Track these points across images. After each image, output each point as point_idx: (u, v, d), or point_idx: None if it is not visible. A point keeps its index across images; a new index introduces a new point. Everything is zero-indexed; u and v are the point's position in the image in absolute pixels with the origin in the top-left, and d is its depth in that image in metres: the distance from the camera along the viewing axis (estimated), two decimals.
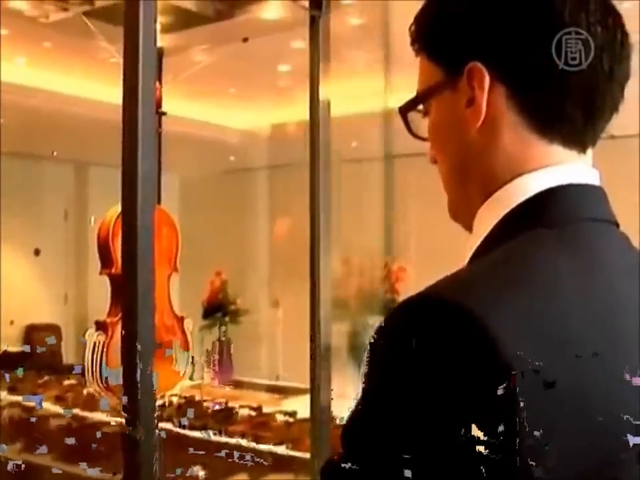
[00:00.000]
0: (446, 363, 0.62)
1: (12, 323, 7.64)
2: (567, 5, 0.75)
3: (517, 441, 0.60)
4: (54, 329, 8.20)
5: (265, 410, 3.68)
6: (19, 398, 3.85)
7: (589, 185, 0.78)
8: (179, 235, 1.72)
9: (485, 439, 0.61)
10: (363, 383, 0.69)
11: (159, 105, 1.69)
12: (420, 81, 0.86)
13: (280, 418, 3.47)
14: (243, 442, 3.15)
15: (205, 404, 3.78)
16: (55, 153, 7.64)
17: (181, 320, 1.72)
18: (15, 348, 7.57)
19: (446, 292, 0.66)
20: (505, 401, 0.61)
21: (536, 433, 0.62)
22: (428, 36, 0.84)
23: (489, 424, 0.61)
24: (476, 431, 0.61)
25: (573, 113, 0.77)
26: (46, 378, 4.35)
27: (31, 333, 8.04)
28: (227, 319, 4.75)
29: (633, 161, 6.09)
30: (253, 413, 3.61)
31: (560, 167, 0.77)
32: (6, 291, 6.26)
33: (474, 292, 0.66)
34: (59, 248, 8.41)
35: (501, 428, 0.61)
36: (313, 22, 1.87)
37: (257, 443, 3.11)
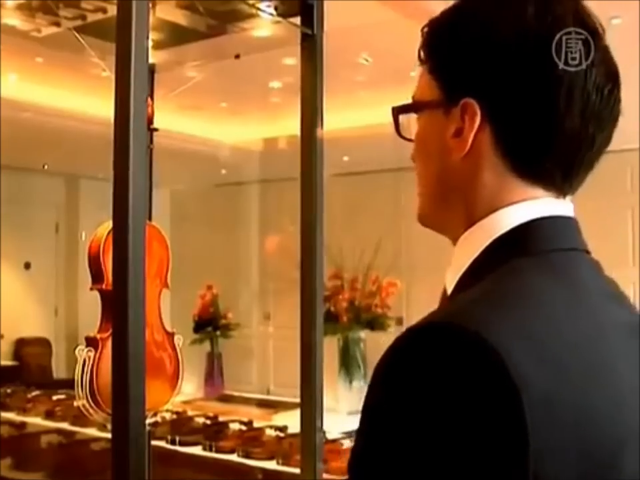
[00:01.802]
0: (462, 390, 0.65)
1: (2, 337, 7.60)
2: (569, 71, 0.79)
3: (528, 457, 0.63)
4: (44, 343, 8.17)
5: (256, 424, 3.67)
6: (8, 415, 3.83)
7: (564, 216, 0.84)
8: (170, 251, 1.72)
9: (498, 457, 0.64)
10: (375, 409, 0.71)
11: (150, 121, 1.70)
12: (418, 87, 0.90)
13: (270, 433, 3.46)
14: (233, 457, 3.14)
15: (196, 419, 3.76)
16: (46, 167, 7.64)
17: (171, 335, 1.72)
18: (4, 362, 7.55)
19: (457, 319, 0.69)
20: (516, 423, 0.63)
21: (546, 460, 0.64)
22: (436, 55, 0.87)
23: (501, 444, 0.64)
24: (490, 453, 0.63)
25: (551, 171, 0.82)
26: (35, 393, 4.32)
27: (21, 347, 8.01)
28: (217, 332, 4.74)
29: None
30: (244, 428, 3.60)
31: (537, 201, 0.82)
32: None
33: (482, 319, 0.69)
34: (49, 261, 8.38)
35: (513, 446, 0.63)
36: (305, 39, 1.88)
37: (248, 458, 3.10)
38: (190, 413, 3.92)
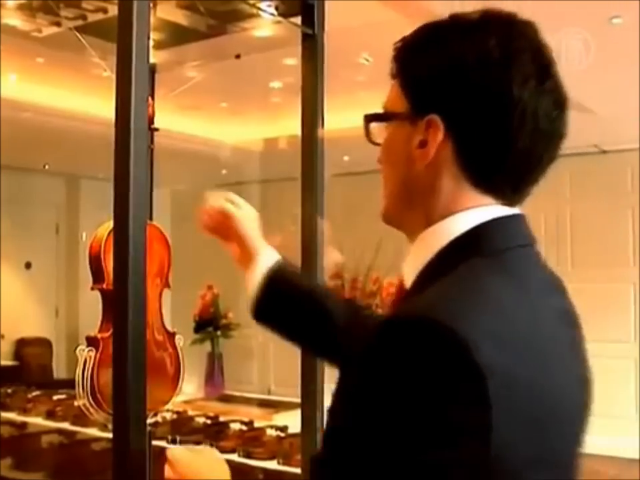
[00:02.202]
0: (436, 374, 0.76)
1: (3, 337, 7.60)
2: (524, 97, 0.90)
3: (490, 434, 0.76)
4: (44, 343, 8.17)
5: (256, 424, 3.67)
6: (9, 415, 3.82)
7: (511, 215, 0.95)
8: (171, 251, 1.72)
9: (465, 429, 0.75)
10: (351, 389, 0.82)
11: (151, 121, 1.70)
12: (389, 98, 1.00)
13: (271, 433, 3.46)
14: (234, 457, 3.14)
15: (196, 419, 3.76)
16: (46, 167, 7.65)
17: (172, 335, 1.71)
18: (5, 362, 7.55)
19: (432, 314, 0.79)
20: (480, 404, 0.75)
21: (508, 432, 0.77)
22: (407, 73, 0.97)
23: (467, 420, 0.75)
24: (456, 427, 0.75)
25: (503, 184, 0.94)
26: (36, 393, 4.32)
27: (22, 347, 8.01)
28: (218, 332, 4.74)
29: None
30: (245, 428, 3.60)
31: (489, 207, 0.93)
32: None
33: (453, 315, 0.79)
34: (50, 261, 8.38)
35: (477, 422, 0.76)
36: (306, 39, 1.88)
37: (248, 458, 3.10)
38: (190, 412, 3.92)
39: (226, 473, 1.20)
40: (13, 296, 7.58)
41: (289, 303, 1.43)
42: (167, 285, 1.71)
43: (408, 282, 0.96)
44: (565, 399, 0.88)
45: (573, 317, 1.00)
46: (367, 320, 1.43)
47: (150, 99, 1.68)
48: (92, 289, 1.60)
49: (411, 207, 0.97)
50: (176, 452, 1.20)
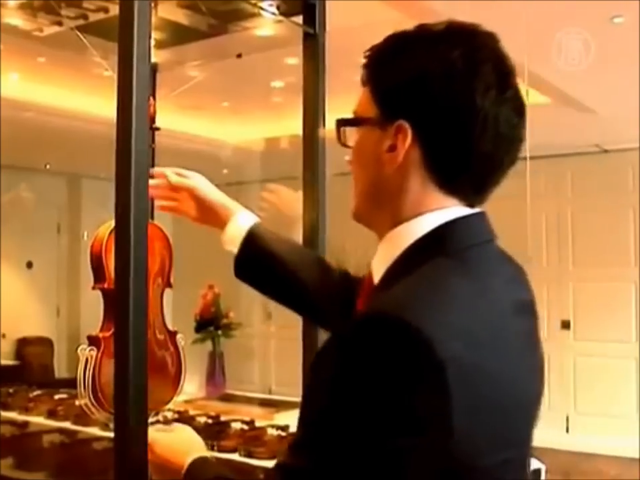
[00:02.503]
0: (401, 367, 0.83)
1: (4, 336, 7.61)
2: (486, 105, 0.96)
3: (452, 425, 0.84)
4: (46, 343, 8.17)
5: (258, 424, 3.67)
6: (10, 414, 3.82)
7: (473, 214, 1.02)
8: (172, 250, 1.72)
9: (428, 416, 0.83)
10: (326, 379, 0.88)
11: (153, 120, 1.70)
12: (360, 103, 1.06)
13: (272, 432, 3.46)
14: (235, 456, 3.13)
15: (197, 419, 3.76)
16: (48, 166, 7.65)
17: (173, 335, 1.71)
18: (6, 362, 7.55)
19: (398, 312, 0.86)
20: (441, 393, 0.83)
21: (467, 418, 0.85)
22: (377, 81, 1.04)
23: (430, 408, 0.83)
24: (419, 415, 0.83)
25: (465, 188, 1.01)
26: (37, 392, 4.32)
27: (23, 346, 8.01)
28: (219, 332, 4.74)
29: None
30: (246, 427, 3.59)
31: (452, 209, 1.00)
32: None
33: (417, 312, 0.86)
34: (51, 261, 8.39)
35: (439, 410, 0.84)
36: (307, 39, 1.88)
37: (249, 457, 3.09)
38: (191, 412, 3.92)
39: (202, 447, 1.28)
40: (15, 295, 7.58)
41: (266, 264, 1.49)
42: (168, 284, 1.71)
43: (376, 278, 1.04)
44: (520, 386, 0.96)
45: (532, 307, 1.08)
46: (336, 280, 1.53)
47: (151, 98, 1.68)
48: (93, 288, 1.60)
49: (380, 206, 1.04)
50: (154, 435, 1.27)
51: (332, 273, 1.57)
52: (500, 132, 0.98)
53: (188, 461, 1.21)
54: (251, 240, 1.48)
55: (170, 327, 1.75)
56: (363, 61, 1.07)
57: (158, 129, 1.70)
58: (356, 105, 1.07)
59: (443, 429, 0.84)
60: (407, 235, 1.00)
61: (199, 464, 1.21)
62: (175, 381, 1.71)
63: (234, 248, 1.48)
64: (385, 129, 1.00)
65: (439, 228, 0.99)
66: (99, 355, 1.55)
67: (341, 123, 1.08)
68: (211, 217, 1.53)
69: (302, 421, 0.93)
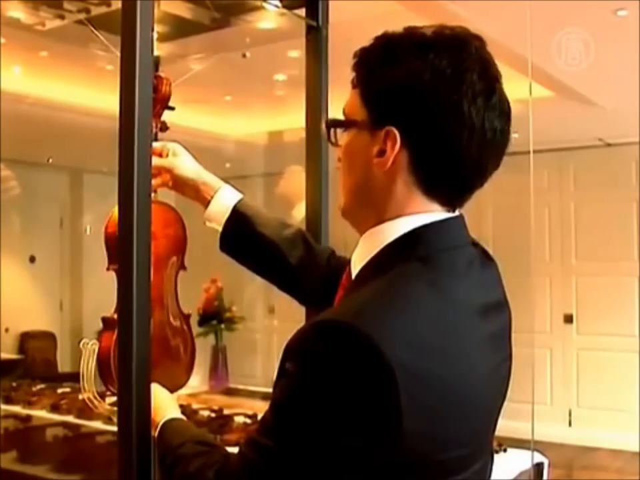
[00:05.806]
0: (353, 374, 0.89)
1: (7, 330, 7.62)
2: (473, 113, 0.99)
3: (403, 425, 0.88)
4: (49, 337, 8.18)
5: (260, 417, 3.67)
6: (13, 408, 3.83)
7: (450, 218, 1.05)
8: (186, 232, 1.69)
9: (379, 417, 0.89)
10: (288, 378, 0.94)
11: (168, 99, 1.65)
12: (349, 105, 1.08)
13: None
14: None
15: (201, 412, 3.76)
16: (50, 160, 7.64)
17: (187, 317, 1.70)
18: (9, 356, 7.57)
19: (352, 320, 0.91)
20: (390, 396, 0.88)
21: (417, 419, 0.89)
22: (366, 86, 1.05)
23: (380, 409, 0.89)
24: (369, 420, 0.89)
25: (449, 192, 1.04)
26: (40, 386, 4.33)
27: (26, 340, 8.02)
28: (222, 326, 4.74)
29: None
30: (249, 421, 3.60)
31: (433, 213, 1.03)
32: (0, 298, 6.24)
33: (371, 322, 0.90)
34: (54, 255, 8.39)
35: (389, 411, 0.88)
36: (310, 32, 1.88)
37: None
38: (195, 406, 3.93)
39: (175, 406, 1.33)
40: (18, 290, 7.58)
41: (250, 240, 1.51)
42: (182, 266, 1.69)
43: (353, 273, 1.08)
44: (478, 388, 0.99)
45: (501, 306, 1.11)
46: (320, 259, 1.55)
47: (168, 77, 1.66)
48: (107, 269, 1.58)
49: (366, 206, 1.07)
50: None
51: (316, 250, 1.57)
52: (486, 138, 1.01)
53: (160, 422, 1.26)
54: (235, 219, 1.49)
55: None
56: (353, 61, 1.08)
57: (173, 108, 1.68)
58: (346, 105, 1.10)
59: (393, 429, 0.89)
60: (384, 235, 1.04)
61: (173, 427, 1.25)
62: (189, 366, 1.70)
63: (217, 226, 1.51)
64: (375, 133, 1.03)
65: (413, 231, 1.02)
66: (114, 335, 1.53)
67: (332, 124, 1.11)
68: (192, 193, 1.55)
69: (273, 402, 0.98)
